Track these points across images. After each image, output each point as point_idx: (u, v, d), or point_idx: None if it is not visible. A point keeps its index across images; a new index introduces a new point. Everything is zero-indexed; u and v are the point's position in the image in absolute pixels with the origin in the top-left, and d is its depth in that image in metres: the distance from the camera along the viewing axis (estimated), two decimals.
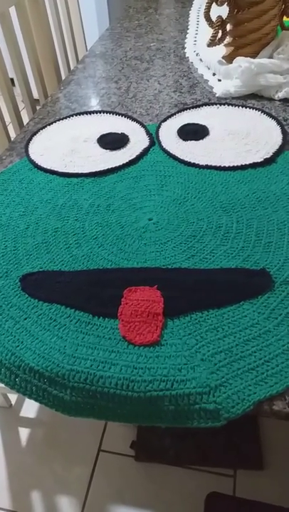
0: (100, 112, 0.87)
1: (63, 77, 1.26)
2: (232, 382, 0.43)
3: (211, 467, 1.03)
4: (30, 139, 0.80)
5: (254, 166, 0.70)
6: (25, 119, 1.02)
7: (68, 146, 0.77)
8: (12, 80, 1.08)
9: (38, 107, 1.00)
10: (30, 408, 1.16)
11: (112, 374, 0.44)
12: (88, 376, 0.45)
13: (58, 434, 1.10)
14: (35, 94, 1.19)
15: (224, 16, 0.90)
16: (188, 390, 0.43)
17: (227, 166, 0.70)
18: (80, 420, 1.11)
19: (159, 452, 1.05)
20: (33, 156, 0.76)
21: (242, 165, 0.70)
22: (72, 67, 1.33)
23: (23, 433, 1.12)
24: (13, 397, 1.18)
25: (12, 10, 1.00)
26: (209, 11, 0.88)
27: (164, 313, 0.49)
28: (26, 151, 0.78)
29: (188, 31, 1.20)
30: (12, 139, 0.86)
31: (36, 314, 0.51)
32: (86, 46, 1.38)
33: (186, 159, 0.72)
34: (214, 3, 0.88)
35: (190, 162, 0.72)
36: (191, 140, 0.76)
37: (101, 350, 0.47)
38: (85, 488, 1.01)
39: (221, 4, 0.88)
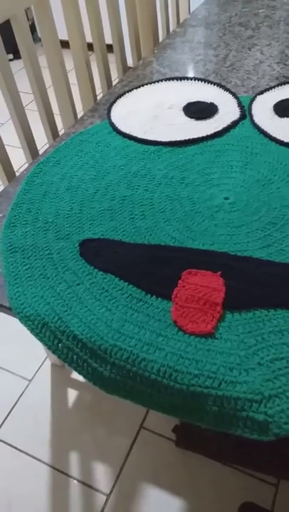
0: (191, 78, 0.81)
1: None
2: None
3: (253, 470, 0.97)
4: (114, 101, 0.77)
5: None
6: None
7: (152, 112, 0.72)
8: (107, 46, 1.05)
9: None
10: None
11: (156, 359, 0.41)
12: (131, 355, 0.42)
13: (104, 402, 1.11)
14: (130, 62, 1.15)
15: None
16: (237, 394, 0.38)
17: None
18: None
19: (200, 442, 1.02)
20: (114, 119, 0.73)
21: None
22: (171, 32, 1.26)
23: (72, 394, 1.14)
24: None
25: None
26: None
27: (223, 304, 0.44)
28: (108, 113, 0.75)
29: None
30: (97, 100, 0.83)
31: (90, 282, 0.49)
32: (190, 10, 1.31)
33: (278, 137, 0.64)
34: None
35: (283, 141, 0.64)
36: (288, 117, 0.68)
37: (148, 330, 0.43)
38: (121, 460, 1.01)
39: None
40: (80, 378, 1.17)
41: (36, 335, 0.46)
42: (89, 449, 1.03)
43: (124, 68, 1.12)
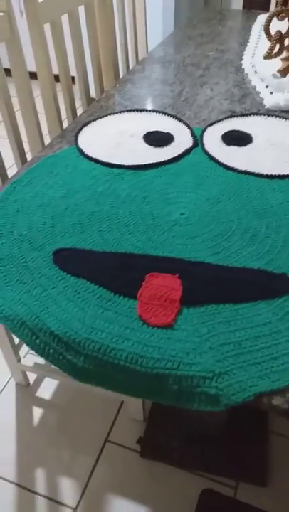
0: (150, 110, 0.90)
1: None
2: (236, 372, 0.45)
3: (213, 475, 1.02)
4: (80, 129, 0.85)
5: None
6: None
7: (115, 139, 0.80)
8: (72, 78, 1.14)
9: None
10: (47, 390, 1.20)
11: (124, 348, 0.47)
12: (102, 347, 0.47)
13: (69, 418, 1.13)
14: (93, 93, 1.25)
15: (284, 31, 0.92)
16: (192, 373, 0.44)
17: (265, 173, 0.72)
18: (92, 408, 1.14)
19: (164, 452, 1.06)
20: (81, 145, 0.80)
21: (280, 174, 0.71)
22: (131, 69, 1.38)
23: (37, 412, 1.16)
24: (31, 376, 1.23)
25: (81, 9, 1.06)
26: (269, 25, 0.90)
27: (180, 300, 0.51)
28: (76, 139, 0.82)
29: (248, 44, 1.22)
30: (64, 128, 0.91)
31: (63, 285, 0.54)
32: (147, 49, 1.43)
33: (226, 163, 0.74)
34: (275, 18, 0.89)
35: (229, 166, 0.74)
36: (233, 145, 0.78)
37: (117, 325, 0.49)
38: (87, 475, 1.03)
39: (282, 19, 0.90)
40: (45, 397, 1.19)
41: (15, 332, 0.50)
42: (55, 465, 1.05)
43: (88, 99, 1.21)
